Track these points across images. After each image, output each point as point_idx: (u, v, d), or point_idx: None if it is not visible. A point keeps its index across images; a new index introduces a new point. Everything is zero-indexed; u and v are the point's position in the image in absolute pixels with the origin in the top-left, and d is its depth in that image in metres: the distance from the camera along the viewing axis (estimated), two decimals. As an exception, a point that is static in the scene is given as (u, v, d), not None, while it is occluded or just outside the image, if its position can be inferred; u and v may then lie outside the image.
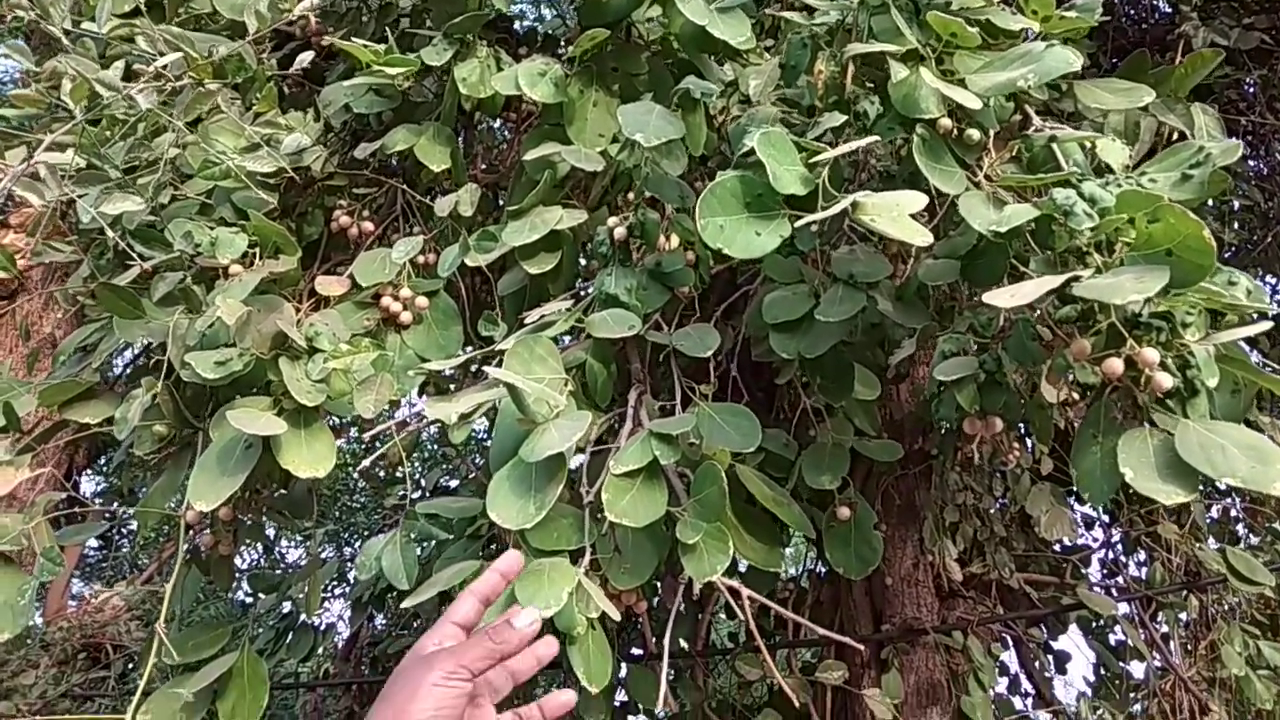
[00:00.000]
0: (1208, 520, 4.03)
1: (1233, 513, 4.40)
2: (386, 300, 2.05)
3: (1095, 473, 1.31)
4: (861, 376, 2.01)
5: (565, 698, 1.06)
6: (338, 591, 5.99)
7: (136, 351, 2.17)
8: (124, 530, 10.66)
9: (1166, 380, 1.27)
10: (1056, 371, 1.43)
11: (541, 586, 1.42)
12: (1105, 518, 4.14)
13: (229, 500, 1.77)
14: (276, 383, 1.76)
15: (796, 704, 3.32)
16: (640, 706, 3.74)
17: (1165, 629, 3.76)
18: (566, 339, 1.94)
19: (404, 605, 1.58)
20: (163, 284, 1.80)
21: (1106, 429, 1.32)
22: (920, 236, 1.31)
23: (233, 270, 1.87)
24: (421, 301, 2.08)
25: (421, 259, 2.14)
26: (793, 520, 1.71)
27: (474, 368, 1.76)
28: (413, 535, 1.80)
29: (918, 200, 1.35)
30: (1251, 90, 4.24)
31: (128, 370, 2.14)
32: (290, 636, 3.88)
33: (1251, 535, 4.42)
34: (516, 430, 1.51)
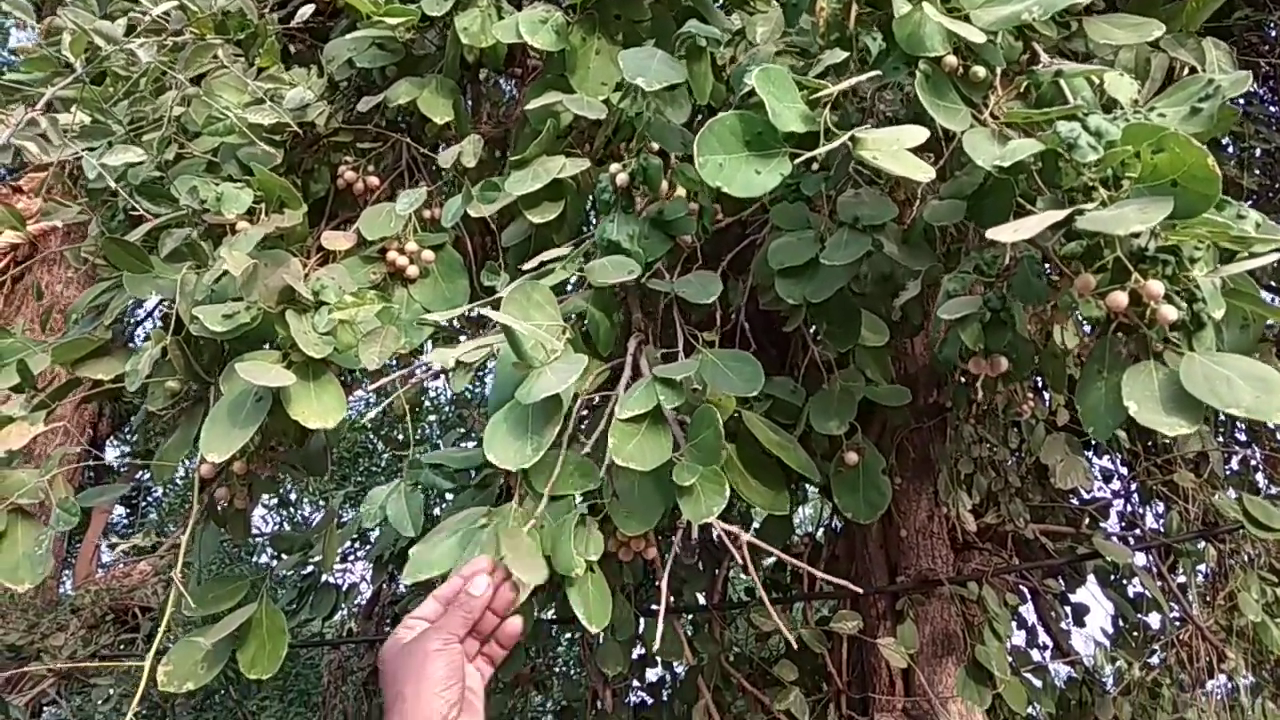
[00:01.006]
0: (1227, 472, 4.00)
1: (1252, 463, 4.38)
2: (392, 254, 2.06)
3: (1100, 408, 1.30)
4: (869, 323, 1.99)
5: (513, 628, 1.23)
6: (360, 553, 6.06)
7: (150, 309, 2.19)
8: (150, 498, 10.81)
9: (1171, 313, 1.26)
10: (1062, 309, 1.42)
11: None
12: (1123, 469, 4.12)
13: (241, 453, 1.78)
14: (284, 336, 1.77)
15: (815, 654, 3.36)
16: (659, 659, 3.79)
17: (1183, 579, 3.75)
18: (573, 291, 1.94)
19: (412, 551, 1.59)
20: (170, 240, 1.81)
21: (1111, 364, 1.31)
22: (921, 172, 1.29)
23: (239, 226, 1.88)
24: (427, 255, 2.08)
25: (427, 213, 2.14)
26: (798, 464, 1.71)
27: (475, 313, 1.75)
28: (418, 483, 1.81)
29: (918, 134, 1.33)
30: (1273, 33, 4.15)
31: (143, 327, 2.15)
32: (313, 596, 3.94)
33: (1271, 486, 4.40)
34: (514, 375, 1.52)
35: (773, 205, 2.21)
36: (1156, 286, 1.27)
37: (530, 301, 1.58)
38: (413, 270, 2.07)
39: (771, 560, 4.33)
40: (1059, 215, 1.26)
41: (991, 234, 1.29)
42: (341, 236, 1.99)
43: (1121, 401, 1.25)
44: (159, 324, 2.17)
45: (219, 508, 2.00)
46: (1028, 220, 1.29)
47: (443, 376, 1.64)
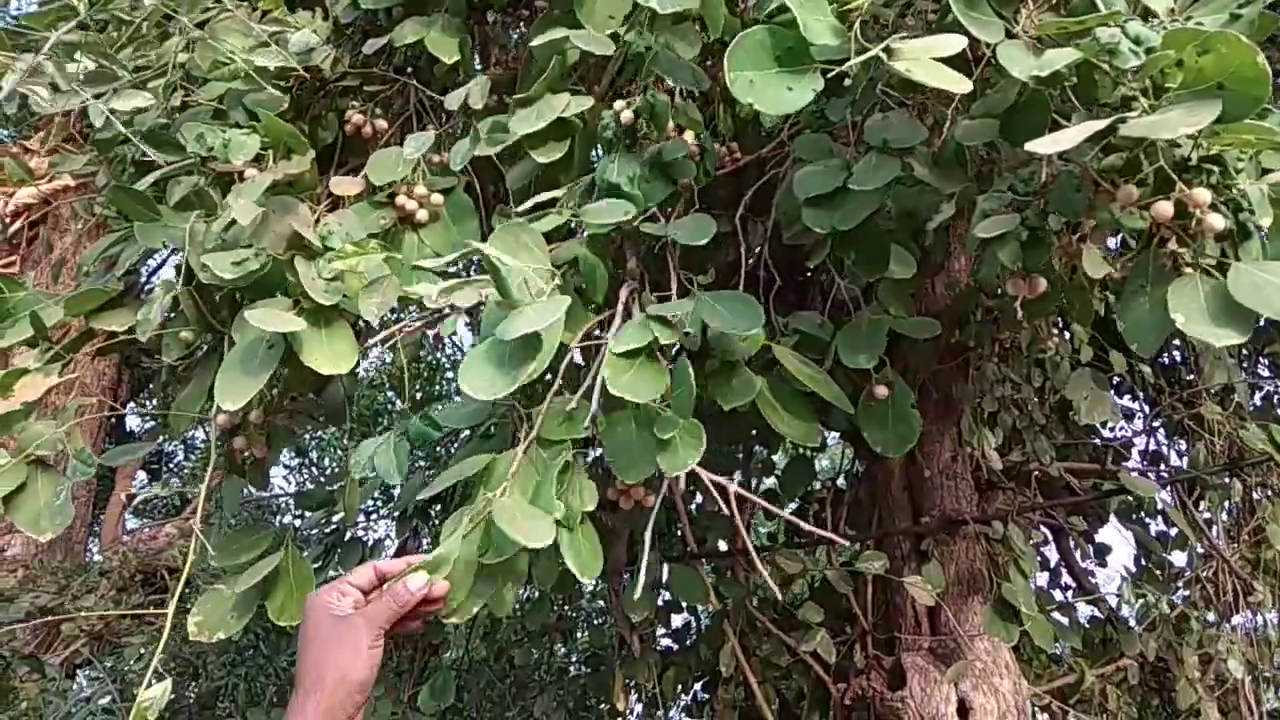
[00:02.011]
0: (1252, 408, 3.96)
1: (1276, 398, 4.33)
2: (401, 199, 2.01)
3: (1144, 322, 1.27)
4: (896, 255, 1.95)
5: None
6: (383, 511, 6.09)
7: (161, 261, 2.16)
8: (171, 465, 10.91)
9: (1219, 221, 1.22)
10: (1101, 225, 1.37)
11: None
12: (1145, 408, 4.08)
13: (258, 401, 1.77)
14: (294, 283, 1.74)
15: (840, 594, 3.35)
16: (684, 603, 3.81)
17: (1208, 514, 3.73)
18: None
19: (420, 497, 1.60)
20: (178, 188, 1.78)
21: (1155, 278, 1.27)
22: (958, 84, 1.24)
23: (247, 174, 1.84)
24: (437, 199, 2.04)
25: (436, 158, 2.09)
26: (831, 395, 1.68)
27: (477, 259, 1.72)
28: (405, 434, 1.80)
29: (954, 43, 1.28)
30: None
31: (155, 279, 2.13)
32: (339, 552, 3.96)
33: (1296, 421, 4.35)
34: (500, 315, 1.48)
35: (795, 138, 2.16)
36: (1203, 194, 1.23)
37: (518, 243, 1.54)
38: (422, 215, 2.02)
39: (793, 506, 4.35)
40: (1101, 124, 1.21)
41: (1031, 146, 1.25)
42: (350, 182, 1.95)
43: (1166, 315, 1.22)
44: (172, 276, 2.15)
45: (238, 459, 1.99)
46: (1068, 131, 1.25)
47: (443, 325, 1.61)
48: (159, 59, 1.87)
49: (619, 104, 1.82)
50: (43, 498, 1.68)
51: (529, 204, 1.76)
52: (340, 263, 1.69)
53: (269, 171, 1.79)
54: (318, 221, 1.82)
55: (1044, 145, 1.24)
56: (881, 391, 2.01)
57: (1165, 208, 1.25)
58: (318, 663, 1.16)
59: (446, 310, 1.59)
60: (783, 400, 1.61)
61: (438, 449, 5.24)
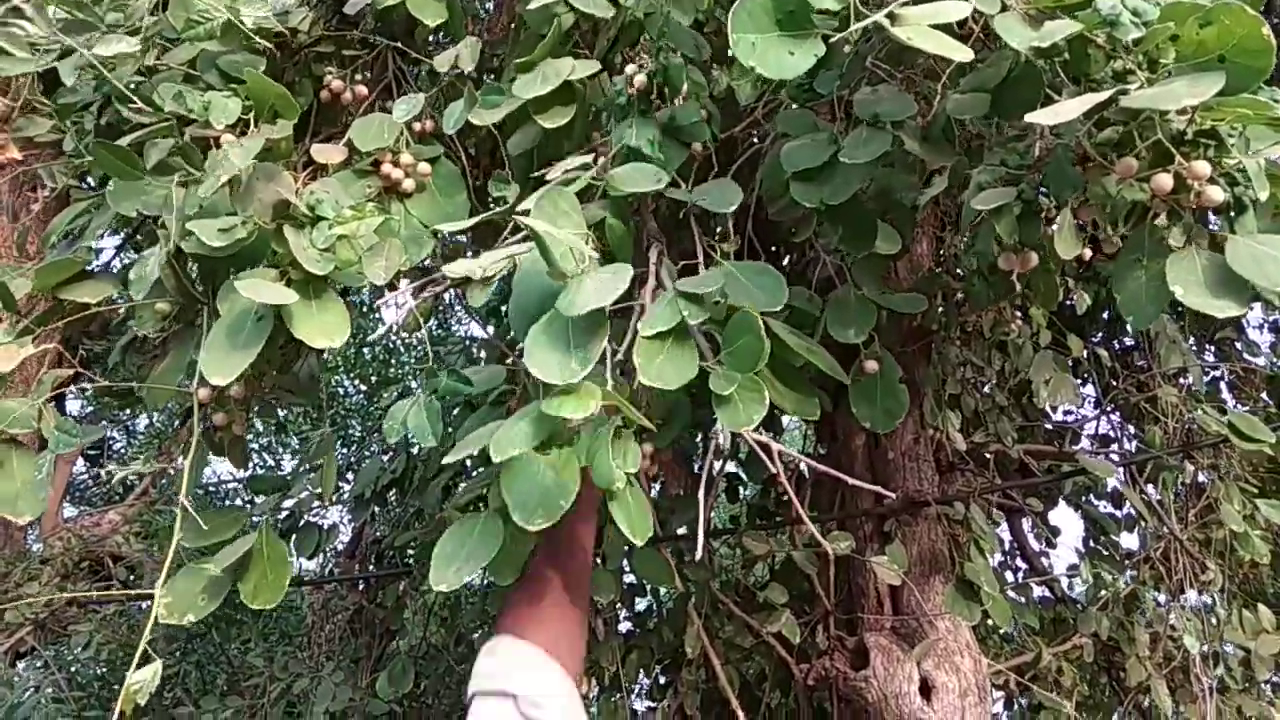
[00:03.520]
0: (1203, 392, 4.06)
1: (1222, 385, 4.45)
2: (387, 168, 1.97)
3: (1140, 296, 1.29)
4: (883, 231, 1.96)
5: None
6: (334, 497, 6.00)
7: (125, 236, 2.09)
8: (112, 451, 10.64)
9: (1218, 194, 1.24)
10: (1094, 200, 1.39)
11: (568, 400, 1.37)
12: (1100, 392, 4.17)
13: (244, 375, 1.72)
14: (282, 253, 1.69)
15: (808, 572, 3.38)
16: (648, 586, 3.81)
17: (1158, 496, 3.82)
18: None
19: (445, 460, 1.54)
20: (155, 151, 1.72)
21: (1152, 251, 1.29)
22: (959, 52, 1.25)
23: (224, 140, 1.79)
24: (424, 168, 1.99)
25: (418, 126, 2.05)
26: (825, 365, 1.67)
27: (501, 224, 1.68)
28: (435, 392, 1.75)
29: (958, 9, 1.28)
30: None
31: (116, 254, 2.06)
32: (295, 536, 3.89)
33: (1238, 405, 4.49)
34: (543, 285, 1.46)
35: (771, 115, 2.15)
36: (1203, 167, 1.25)
37: (557, 210, 1.51)
38: (409, 184, 1.98)
39: (755, 489, 4.37)
40: (1102, 96, 1.22)
41: (1031, 118, 1.26)
42: (332, 149, 1.90)
43: (1164, 288, 1.24)
44: (135, 243, 2.08)
45: (216, 436, 1.93)
46: (1069, 103, 1.26)
47: (472, 294, 1.58)
48: (128, 19, 1.80)
49: (630, 69, 1.80)
50: (20, 478, 1.61)
51: (558, 170, 1.72)
52: (341, 228, 1.64)
53: (252, 136, 1.73)
54: (299, 190, 1.77)
55: (1044, 117, 1.25)
56: (871, 366, 2.02)
57: (1165, 180, 1.27)
58: None
59: (448, 280, 1.55)
60: (778, 374, 1.60)
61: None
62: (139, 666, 1.46)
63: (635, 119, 1.75)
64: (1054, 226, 1.85)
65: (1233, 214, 1.26)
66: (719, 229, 1.89)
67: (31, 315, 1.73)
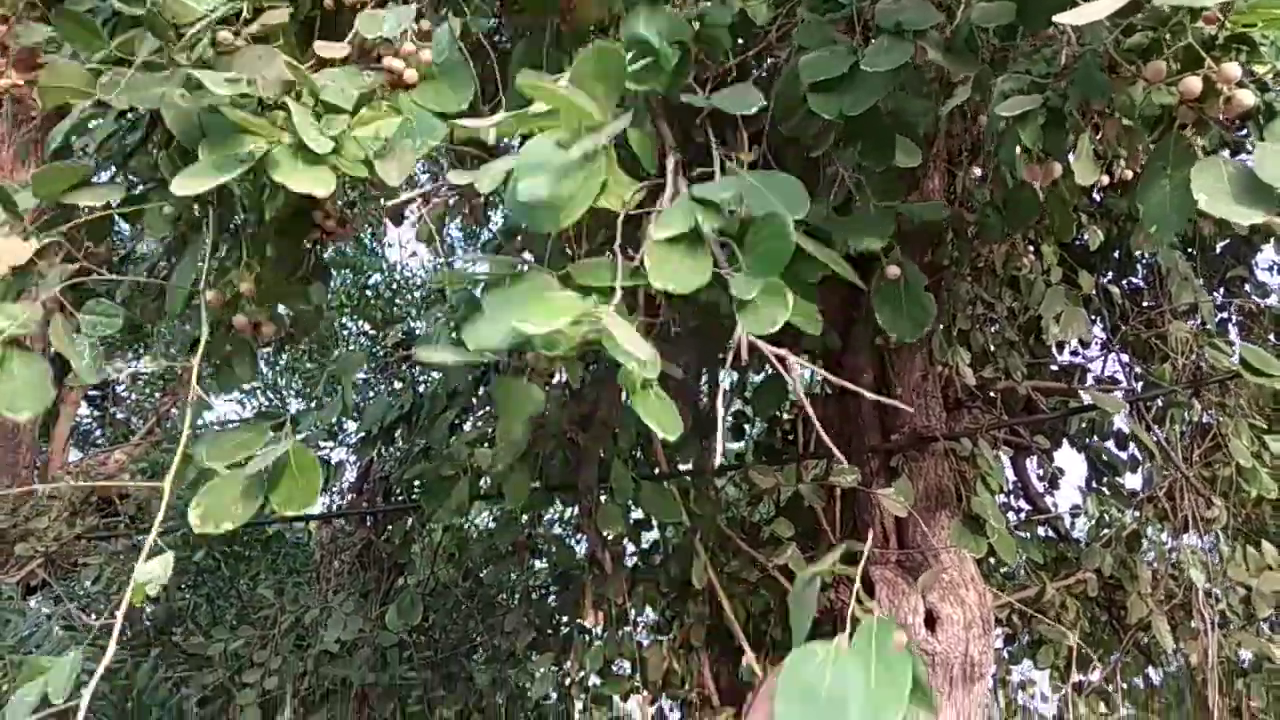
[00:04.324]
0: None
1: (1230, 326, 4.44)
2: (389, 60, 1.91)
3: (1165, 206, 1.26)
4: (902, 145, 1.91)
5: None
6: (342, 434, 6.01)
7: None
8: (116, 395, 10.66)
9: (1248, 98, 1.21)
10: (1121, 109, 1.36)
11: (537, 306, 1.34)
12: (1109, 333, 4.15)
13: (245, 275, 1.69)
14: (275, 129, 1.63)
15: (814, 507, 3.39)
16: (655, 521, 3.83)
17: (1164, 435, 3.82)
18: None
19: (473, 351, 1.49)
20: (145, 45, 1.67)
21: (1177, 160, 1.27)
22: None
23: (221, 36, 1.73)
24: (425, 54, 1.92)
25: (419, 26, 1.98)
26: (844, 272, 1.64)
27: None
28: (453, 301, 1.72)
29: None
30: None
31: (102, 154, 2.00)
32: (302, 471, 3.89)
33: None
34: (548, 158, 1.41)
35: (784, 37, 2.11)
36: (1233, 69, 1.22)
37: (600, 72, 1.43)
38: (410, 74, 1.92)
39: (762, 427, 4.38)
40: (1133, -4, 1.19)
41: (1059, 18, 1.22)
42: (335, 46, 1.84)
43: (1188, 197, 1.21)
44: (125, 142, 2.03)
45: (244, 334, 1.89)
46: (1098, 3, 1.22)
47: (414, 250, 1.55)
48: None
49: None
50: (20, 377, 1.60)
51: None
52: (361, 128, 1.60)
53: (247, 28, 1.67)
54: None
55: (1071, 17, 1.22)
56: (893, 271, 1.98)
57: (1194, 83, 1.24)
58: None
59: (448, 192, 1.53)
60: (791, 286, 1.57)
61: (403, 372, 5.19)
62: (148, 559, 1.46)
63: (644, 8, 1.68)
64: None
65: (1262, 120, 1.23)
66: (737, 143, 1.85)
67: (38, 223, 1.71)
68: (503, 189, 1.54)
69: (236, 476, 1.72)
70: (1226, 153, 1.25)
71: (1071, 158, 1.82)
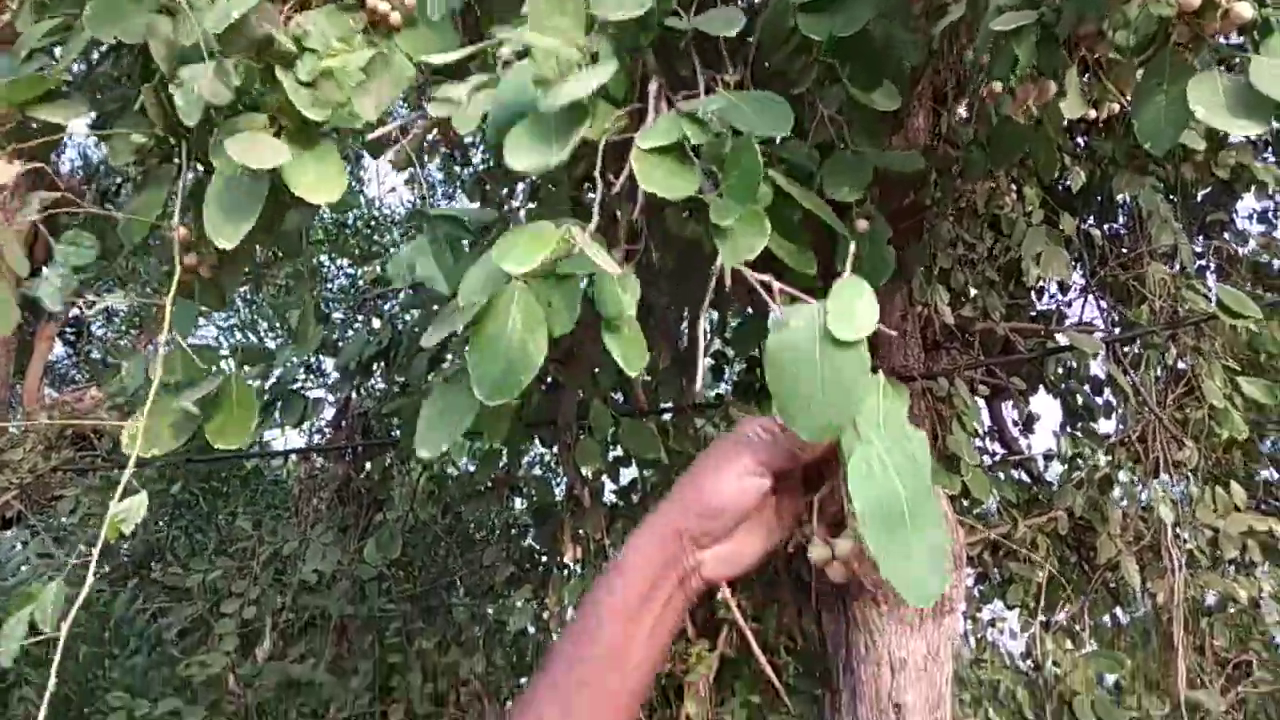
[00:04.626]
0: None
1: (1209, 273, 4.46)
2: (372, 1, 1.88)
3: (1159, 120, 1.26)
4: (883, 87, 1.90)
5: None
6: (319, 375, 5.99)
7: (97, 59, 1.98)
8: (91, 335, 10.57)
9: (1246, 10, 1.20)
10: (1115, 25, 1.34)
11: (514, 247, 1.33)
12: (1087, 277, 4.16)
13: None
14: (272, 100, 1.62)
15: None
16: (634, 458, 3.85)
17: (1138, 378, 3.86)
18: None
19: (425, 342, 1.52)
20: (129, -26, 1.62)
21: (1174, 74, 1.26)
22: None
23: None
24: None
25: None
26: (825, 215, 1.64)
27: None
28: (437, 237, 1.71)
29: None
30: None
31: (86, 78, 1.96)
32: (280, 405, 3.89)
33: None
34: (527, 93, 1.40)
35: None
36: (1232, -19, 1.20)
37: (562, 9, 1.42)
38: (395, 17, 1.89)
39: (741, 367, 4.39)
40: (1133, -98, 1.17)
41: (1057, -73, 1.20)
42: (317, -15, 1.81)
43: (1184, 110, 1.21)
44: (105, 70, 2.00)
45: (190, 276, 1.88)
46: (1095, -86, 1.20)
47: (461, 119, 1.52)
48: None
49: None
50: (-8, 296, 1.58)
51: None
52: (330, 60, 1.57)
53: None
54: (286, 22, 1.68)
55: (1069, -70, 1.20)
56: (862, 225, 1.99)
57: (1192, -6, 1.23)
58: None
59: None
60: (777, 226, 1.56)
61: (380, 309, 5.16)
62: (122, 499, 1.45)
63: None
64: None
65: (1258, 35, 1.22)
66: (721, 68, 1.82)
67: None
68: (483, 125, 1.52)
69: (172, 401, 1.71)
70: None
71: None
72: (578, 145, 1.47)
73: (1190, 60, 1.29)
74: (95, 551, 1.42)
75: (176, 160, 1.80)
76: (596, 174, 1.52)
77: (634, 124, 1.61)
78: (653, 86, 1.61)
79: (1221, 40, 1.28)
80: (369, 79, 1.64)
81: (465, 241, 1.73)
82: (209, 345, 2.01)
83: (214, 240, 1.62)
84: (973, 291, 3.60)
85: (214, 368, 1.97)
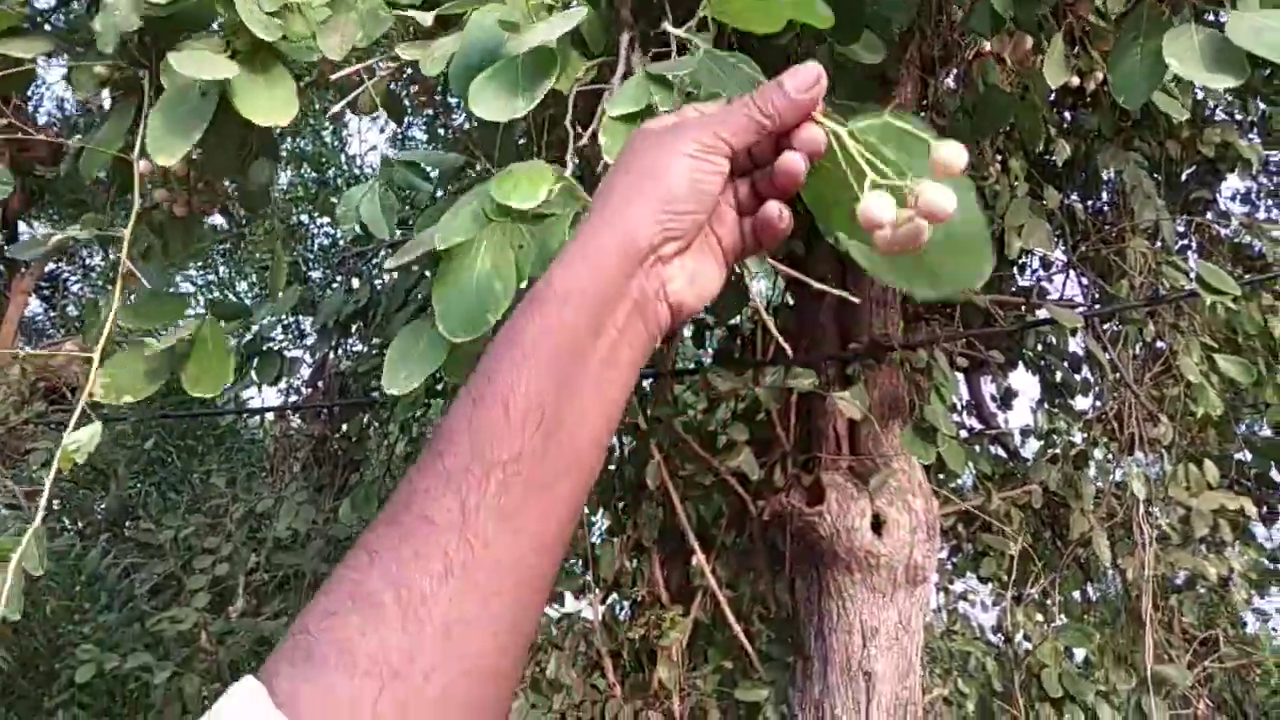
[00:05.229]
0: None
1: (1190, 253, 4.48)
2: (341, -63, 1.84)
3: (1135, 74, 1.25)
4: (867, 39, 1.87)
5: (792, 165, 0.69)
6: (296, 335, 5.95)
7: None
8: (67, 290, 10.47)
9: (1225, -38, 1.18)
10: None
11: (518, 185, 1.31)
12: (1068, 254, 4.16)
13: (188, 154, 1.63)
14: (227, 19, 1.58)
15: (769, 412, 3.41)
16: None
17: (1116, 355, 3.87)
18: None
19: (388, 266, 1.50)
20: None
21: (1150, 29, 1.24)
22: None
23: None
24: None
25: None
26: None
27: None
28: (390, 182, 1.68)
29: None
30: None
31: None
32: (256, 362, 3.85)
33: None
34: (492, 37, 1.37)
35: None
36: (1211, -67, 1.18)
37: None
38: (371, -42, 1.86)
39: (723, 334, 4.38)
40: None
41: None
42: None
43: (1159, 64, 1.19)
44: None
45: (154, 216, 1.85)
46: None
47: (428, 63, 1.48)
48: None
49: None
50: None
51: None
52: None
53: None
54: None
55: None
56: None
57: (1172, -53, 1.21)
58: (616, 178, 0.71)
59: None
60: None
61: (359, 268, 5.10)
62: (76, 428, 1.43)
63: None
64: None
65: (1237, -10, 1.20)
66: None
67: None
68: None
69: (145, 346, 1.67)
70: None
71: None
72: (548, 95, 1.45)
73: (1168, 18, 1.28)
74: (48, 483, 1.40)
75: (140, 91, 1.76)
76: (567, 123, 1.50)
77: (606, 76, 1.58)
78: (624, 38, 1.58)
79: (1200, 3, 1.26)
80: (335, 14, 1.60)
81: (425, 187, 1.70)
82: (178, 293, 1.97)
83: (154, 157, 1.56)
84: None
85: (186, 315, 1.93)
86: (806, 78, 0.69)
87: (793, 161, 0.69)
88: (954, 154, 0.69)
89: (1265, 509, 3.99)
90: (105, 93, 1.85)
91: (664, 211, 0.67)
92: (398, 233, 2.35)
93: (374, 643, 0.53)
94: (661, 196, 0.67)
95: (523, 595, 0.60)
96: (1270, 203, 4.61)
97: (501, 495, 0.59)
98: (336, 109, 1.65)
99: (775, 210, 0.71)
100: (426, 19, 1.46)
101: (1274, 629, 4.36)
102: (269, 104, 1.63)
